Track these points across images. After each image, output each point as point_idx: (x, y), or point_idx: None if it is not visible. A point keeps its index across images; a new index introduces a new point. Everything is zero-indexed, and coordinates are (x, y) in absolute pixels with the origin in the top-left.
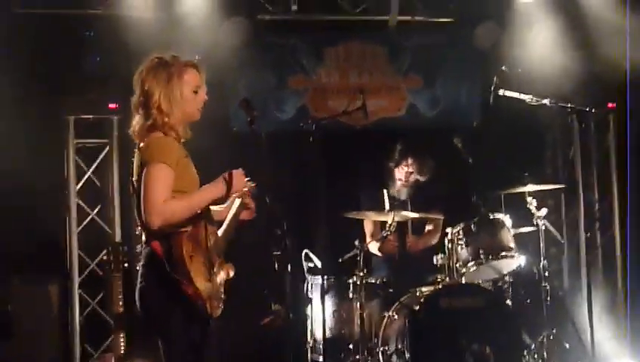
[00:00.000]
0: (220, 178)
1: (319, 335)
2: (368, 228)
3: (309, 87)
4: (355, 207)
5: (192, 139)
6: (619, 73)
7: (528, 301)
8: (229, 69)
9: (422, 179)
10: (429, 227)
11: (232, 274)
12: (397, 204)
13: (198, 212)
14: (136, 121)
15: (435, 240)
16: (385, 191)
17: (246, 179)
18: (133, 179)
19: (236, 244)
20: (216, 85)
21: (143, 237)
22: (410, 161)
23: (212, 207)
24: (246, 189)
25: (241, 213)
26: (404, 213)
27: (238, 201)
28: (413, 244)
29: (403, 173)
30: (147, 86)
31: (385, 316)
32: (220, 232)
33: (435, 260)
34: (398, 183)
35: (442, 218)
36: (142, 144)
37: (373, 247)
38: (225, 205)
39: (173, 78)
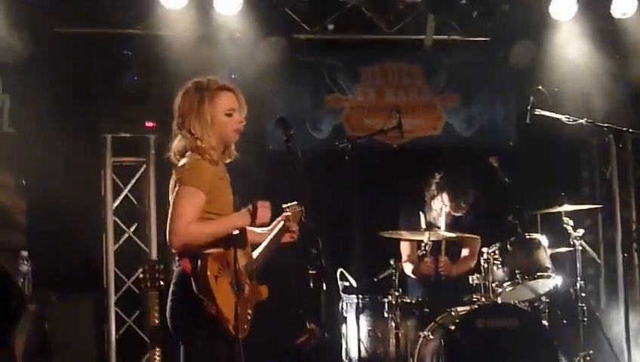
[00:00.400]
0: (245, 209)
1: (354, 355)
2: (405, 249)
3: (345, 106)
4: (391, 226)
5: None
6: None
7: (565, 321)
8: (266, 88)
9: (457, 214)
10: (464, 252)
11: (265, 296)
12: (433, 224)
13: (222, 236)
14: (175, 142)
15: (470, 266)
16: (421, 212)
17: (293, 203)
18: (169, 198)
19: (273, 263)
20: (252, 104)
21: (176, 257)
22: (446, 197)
23: (255, 229)
24: (288, 213)
25: (282, 236)
26: (441, 232)
27: (280, 224)
28: (447, 269)
29: (438, 207)
30: (181, 110)
31: (420, 335)
32: (255, 253)
33: (471, 280)
34: (434, 212)
35: (479, 239)
36: (178, 165)
37: (408, 269)
38: (268, 228)
39: (204, 101)
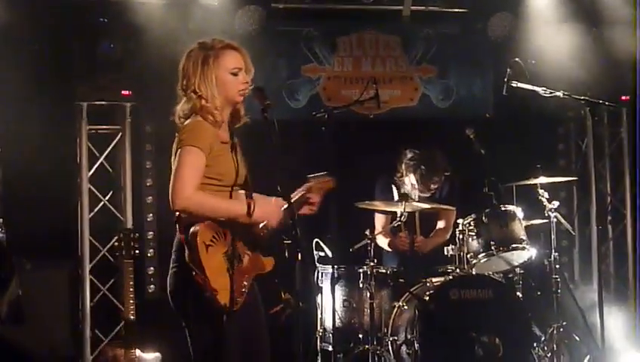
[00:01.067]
0: (246, 202)
1: (329, 325)
2: (379, 221)
3: (322, 76)
4: (367, 196)
5: None
6: (633, 66)
7: (539, 293)
8: None
9: (426, 195)
10: (440, 224)
11: (268, 268)
12: (407, 196)
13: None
14: (180, 105)
15: (446, 238)
16: (394, 185)
17: (321, 174)
18: (172, 161)
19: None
20: None
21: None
22: (414, 178)
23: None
24: (311, 184)
25: (300, 207)
26: (415, 204)
27: (299, 195)
28: (421, 246)
29: (409, 184)
30: (186, 70)
31: (395, 306)
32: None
33: (445, 251)
34: (407, 186)
35: (454, 211)
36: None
37: (383, 242)
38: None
39: (209, 60)
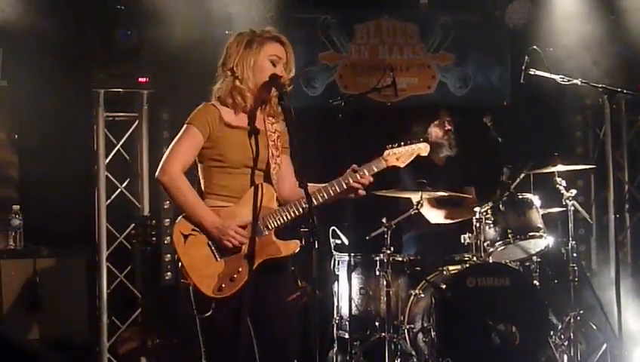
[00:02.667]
0: (221, 223)
1: (345, 312)
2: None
3: (339, 64)
4: (383, 184)
5: None
6: None
7: (556, 281)
8: None
9: (452, 153)
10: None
11: (284, 253)
12: (425, 183)
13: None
14: (217, 85)
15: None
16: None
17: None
18: None
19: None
20: None
21: None
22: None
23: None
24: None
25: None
26: (433, 191)
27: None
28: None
29: (442, 131)
30: (229, 49)
31: (411, 294)
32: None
33: (462, 239)
34: (436, 149)
35: (472, 189)
36: None
37: (434, 216)
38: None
39: (253, 45)
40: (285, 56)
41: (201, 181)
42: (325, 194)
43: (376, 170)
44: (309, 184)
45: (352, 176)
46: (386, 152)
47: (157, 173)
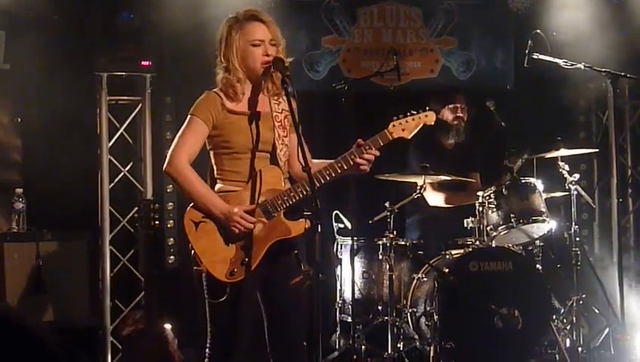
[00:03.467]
0: (227, 208)
1: (348, 296)
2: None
3: (342, 47)
4: (386, 168)
5: None
6: None
7: (558, 266)
8: None
9: (458, 140)
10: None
11: (294, 233)
12: (428, 166)
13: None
14: (218, 75)
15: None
16: (415, 153)
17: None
18: None
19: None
20: None
21: None
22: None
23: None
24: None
25: (349, 169)
26: (436, 175)
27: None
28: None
29: (453, 115)
30: (217, 40)
31: (414, 278)
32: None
33: (465, 223)
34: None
35: (476, 181)
36: None
37: (436, 199)
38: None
39: (234, 29)
40: (267, 33)
41: (214, 167)
42: (332, 172)
43: (382, 143)
44: (316, 160)
45: (357, 152)
46: (391, 124)
47: (164, 166)
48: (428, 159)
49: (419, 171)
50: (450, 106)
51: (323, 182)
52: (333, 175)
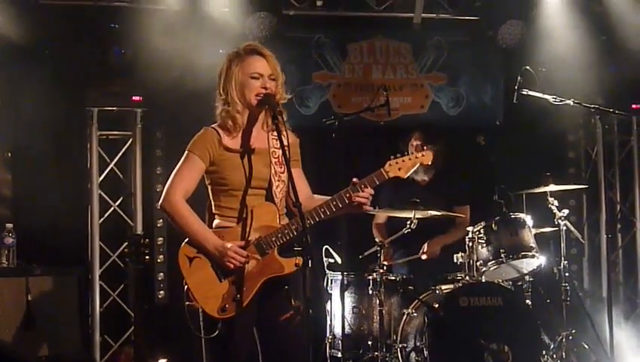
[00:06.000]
0: (221, 244)
1: (338, 331)
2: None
3: (332, 83)
4: (376, 203)
5: None
6: None
7: (548, 301)
8: None
9: (427, 177)
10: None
11: (287, 270)
12: (419, 202)
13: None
14: (217, 110)
15: (465, 233)
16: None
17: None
18: None
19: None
20: None
21: None
22: (416, 136)
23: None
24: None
25: (346, 210)
26: (426, 210)
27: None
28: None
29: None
30: (218, 72)
31: (404, 313)
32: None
33: (455, 258)
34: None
35: (467, 208)
36: None
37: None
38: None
39: (233, 65)
40: (267, 67)
41: (212, 202)
42: (327, 210)
43: (377, 182)
44: (317, 196)
45: (352, 190)
46: (388, 163)
47: (160, 201)
48: (398, 195)
49: (407, 206)
50: (411, 143)
51: (317, 219)
52: (328, 213)
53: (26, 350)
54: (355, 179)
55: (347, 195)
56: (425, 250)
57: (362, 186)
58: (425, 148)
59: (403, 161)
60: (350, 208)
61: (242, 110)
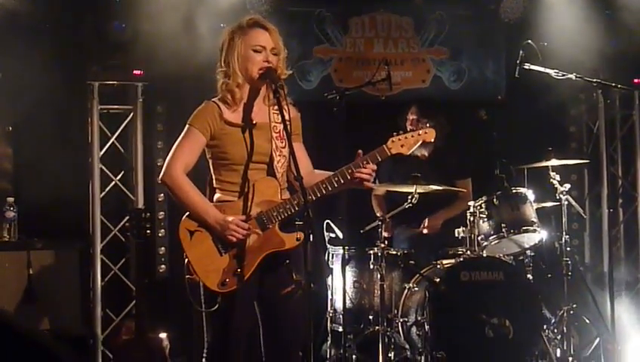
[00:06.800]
0: (222, 217)
1: (339, 306)
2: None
3: (333, 57)
4: (378, 177)
5: None
6: None
7: (549, 275)
8: None
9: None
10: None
11: (288, 245)
12: (420, 176)
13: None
14: (219, 82)
15: (468, 205)
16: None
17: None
18: None
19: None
20: None
21: None
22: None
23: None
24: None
25: (348, 184)
26: (427, 185)
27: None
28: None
29: (410, 127)
30: (220, 45)
31: (405, 287)
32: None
33: (456, 233)
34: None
35: (468, 180)
36: None
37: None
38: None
39: (235, 38)
40: (270, 41)
41: (213, 177)
42: (328, 185)
43: (380, 158)
44: (318, 171)
45: (354, 166)
46: (390, 140)
47: (160, 175)
48: (399, 169)
49: (409, 181)
50: (407, 117)
51: (319, 195)
52: (330, 188)
53: (27, 323)
54: (360, 152)
55: (349, 171)
56: (426, 225)
57: (364, 162)
58: (426, 123)
59: (406, 138)
60: (352, 184)
61: (242, 83)
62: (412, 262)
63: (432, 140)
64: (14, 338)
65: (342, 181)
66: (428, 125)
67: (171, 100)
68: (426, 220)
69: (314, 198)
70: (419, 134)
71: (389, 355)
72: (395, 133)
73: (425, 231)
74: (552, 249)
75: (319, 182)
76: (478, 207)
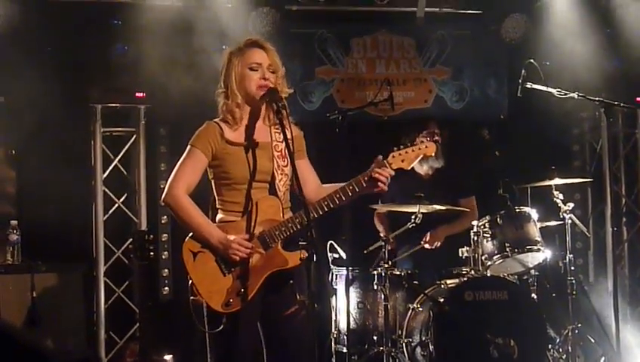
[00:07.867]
0: (225, 237)
1: (343, 326)
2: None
3: (335, 78)
4: (379, 197)
5: None
6: None
7: (553, 295)
8: None
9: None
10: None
11: (291, 264)
12: (423, 196)
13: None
14: (219, 104)
15: (472, 223)
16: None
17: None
18: None
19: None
20: None
21: None
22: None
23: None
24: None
25: (365, 188)
26: (431, 204)
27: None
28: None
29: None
30: (220, 67)
31: (409, 308)
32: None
33: (460, 253)
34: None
35: (472, 199)
36: None
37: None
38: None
39: (233, 58)
40: (266, 58)
41: (215, 197)
42: (342, 195)
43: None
44: (326, 185)
45: (377, 164)
46: (391, 155)
47: (162, 196)
48: (401, 188)
49: (413, 201)
50: (424, 133)
51: (332, 206)
52: (344, 198)
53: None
54: (379, 157)
55: (365, 179)
56: (427, 239)
57: (384, 166)
58: (435, 138)
59: (406, 152)
60: (364, 189)
61: (242, 103)
62: (416, 282)
63: (433, 155)
64: (13, 346)
65: (357, 189)
66: (429, 140)
67: (174, 122)
68: (428, 234)
69: (327, 210)
70: (419, 148)
71: None
72: (395, 148)
73: (426, 245)
74: (557, 268)
75: (332, 192)
76: (482, 227)
